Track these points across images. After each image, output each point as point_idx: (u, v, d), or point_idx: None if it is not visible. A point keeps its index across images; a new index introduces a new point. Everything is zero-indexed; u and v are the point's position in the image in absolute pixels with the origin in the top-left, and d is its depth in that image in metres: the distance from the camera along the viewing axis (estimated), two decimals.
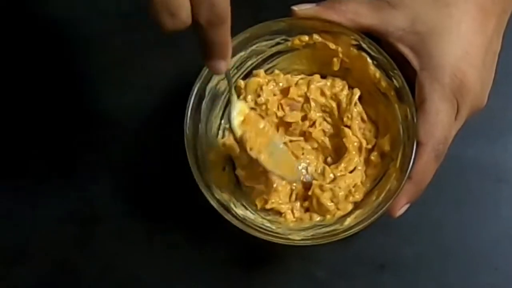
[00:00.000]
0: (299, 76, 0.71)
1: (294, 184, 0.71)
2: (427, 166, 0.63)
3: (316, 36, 0.68)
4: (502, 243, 0.74)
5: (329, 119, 0.71)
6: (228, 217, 0.65)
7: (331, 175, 0.69)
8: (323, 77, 0.71)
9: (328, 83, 0.70)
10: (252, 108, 0.70)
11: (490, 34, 0.64)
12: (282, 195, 0.70)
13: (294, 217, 0.70)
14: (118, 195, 0.78)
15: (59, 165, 0.78)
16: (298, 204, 0.70)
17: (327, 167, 0.70)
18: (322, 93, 0.70)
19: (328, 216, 0.68)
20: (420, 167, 0.63)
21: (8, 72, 0.80)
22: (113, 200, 0.77)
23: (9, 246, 0.77)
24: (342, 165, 0.69)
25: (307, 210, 0.70)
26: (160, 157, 0.77)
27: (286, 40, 0.69)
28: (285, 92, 0.71)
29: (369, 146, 0.70)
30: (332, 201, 0.68)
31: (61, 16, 0.81)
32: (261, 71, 0.71)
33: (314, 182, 0.69)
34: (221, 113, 0.72)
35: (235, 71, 0.70)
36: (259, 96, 0.70)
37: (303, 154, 0.71)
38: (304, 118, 0.71)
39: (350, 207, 0.68)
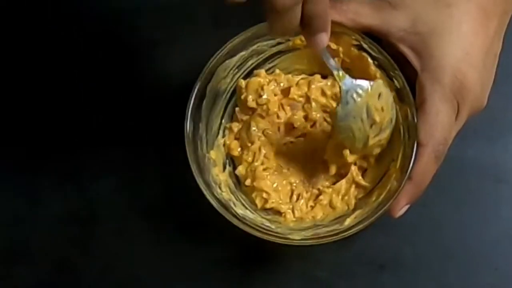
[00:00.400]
0: (300, 76, 0.72)
1: (295, 184, 0.71)
2: (427, 167, 0.63)
3: None
4: (502, 243, 0.74)
5: (329, 119, 0.71)
6: (228, 216, 0.65)
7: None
8: (324, 77, 0.71)
9: (329, 83, 0.70)
10: (252, 108, 0.70)
11: (491, 35, 0.64)
12: (282, 194, 0.70)
13: (294, 216, 0.70)
14: (118, 195, 0.77)
15: (59, 165, 0.78)
16: (301, 201, 0.70)
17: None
18: (323, 93, 0.70)
19: (333, 213, 0.69)
20: (420, 168, 0.63)
21: (8, 72, 0.80)
22: (113, 200, 0.77)
23: (9, 246, 0.77)
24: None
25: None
26: (160, 157, 0.77)
27: (287, 40, 0.69)
28: (285, 92, 0.71)
29: None
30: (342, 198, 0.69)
31: (61, 16, 0.80)
32: (262, 71, 0.71)
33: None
34: (221, 112, 0.72)
35: (236, 70, 0.70)
36: (260, 96, 0.70)
37: None
38: (304, 118, 0.71)
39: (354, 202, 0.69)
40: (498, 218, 0.75)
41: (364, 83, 0.64)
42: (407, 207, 0.65)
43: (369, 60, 0.67)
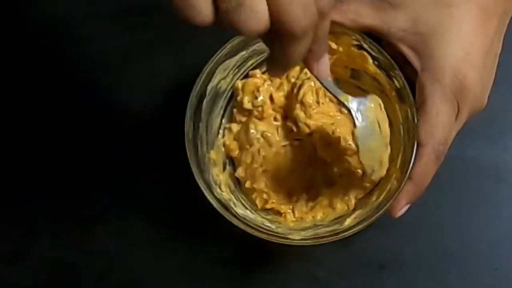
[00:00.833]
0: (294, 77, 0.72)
1: (294, 185, 0.71)
2: (427, 167, 0.63)
3: None
4: (502, 243, 0.74)
5: (326, 121, 0.71)
6: (228, 216, 0.65)
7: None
8: None
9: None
10: (248, 110, 0.70)
11: (491, 35, 0.64)
12: (282, 195, 0.71)
13: (294, 217, 0.70)
14: (118, 194, 0.77)
15: (59, 165, 0.78)
16: (302, 201, 0.70)
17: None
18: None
19: (333, 213, 0.69)
20: (420, 168, 0.63)
21: (8, 71, 0.80)
22: (113, 200, 0.77)
23: (9, 246, 0.77)
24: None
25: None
26: (161, 156, 0.76)
27: None
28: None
29: None
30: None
31: (61, 16, 0.80)
32: (257, 71, 0.71)
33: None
34: (222, 112, 0.72)
35: (236, 70, 0.70)
36: (256, 98, 0.70)
37: None
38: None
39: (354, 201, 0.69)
40: (498, 218, 0.75)
41: (365, 98, 0.64)
42: (407, 207, 0.65)
43: (370, 60, 0.67)
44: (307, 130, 0.69)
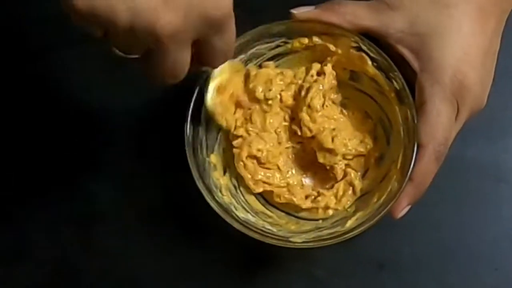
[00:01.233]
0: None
1: (293, 186, 0.71)
2: (428, 168, 0.63)
3: (315, 39, 0.67)
4: (502, 243, 0.74)
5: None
6: (229, 220, 0.65)
7: None
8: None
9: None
10: (258, 100, 0.70)
11: (490, 34, 0.64)
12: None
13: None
14: (118, 195, 0.77)
15: (59, 165, 0.78)
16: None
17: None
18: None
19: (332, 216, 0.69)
20: (421, 169, 0.63)
21: (8, 71, 0.80)
22: (113, 200, 0.77)
23: (9, 246, 0.77)
24: None
25: None
26: (161, 159, 0.77)
27: (286, 43, 0.68)
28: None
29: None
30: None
31: (61, 16, 0.80)
32: (270, 63, 0.70)
33: None
34: None
35: None
36: (269, 89, 0.70)
37: None
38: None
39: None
40: (498, 218, 0.75)
41: None
42: (408, 208, 0.65)
43: (368, 61, 0.66)
44: (308, 134, 0.68)
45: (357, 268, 0.75)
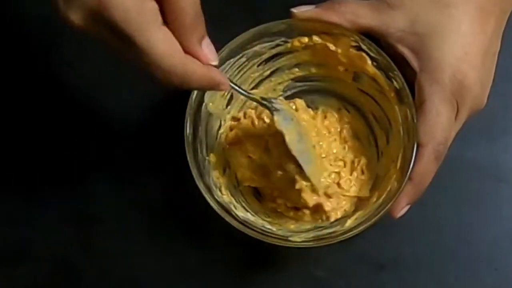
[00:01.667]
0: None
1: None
2: (427, 167, 0.63)
3: (315, 38, 0.68)
4: (502, 243, 0.74)
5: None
6: (228, 219, 0.65)
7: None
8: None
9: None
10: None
11: (490, 34, 0.64)
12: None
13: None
14: (118, 195, 0.77)
15: (59, 165, 0.78)
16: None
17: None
18: None
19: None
20: (420, 168, 0.63)
21: (9, 71, 0.80)
22: (113, 200, 0.77)
23: (9, 246, 0.77)
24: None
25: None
26: (161, 159, 0.76)
27: (286, 42, 0.69)
28: None
29: None
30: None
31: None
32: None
33: None
34: None
35: (235, 72, 0.70)
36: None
37: None
38: None
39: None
40: (498, 218, 0.75)
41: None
42: (407, 207, 0.65)
43: (368, 61, 0.67)
44: None
45: (357, 268, 0.75)
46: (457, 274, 0.74)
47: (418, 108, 0.64)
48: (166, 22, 0.53)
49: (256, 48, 0.68)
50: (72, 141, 0.78)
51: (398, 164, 0.65)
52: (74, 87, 0.79)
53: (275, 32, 0.67)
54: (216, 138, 0.71)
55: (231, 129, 0.72)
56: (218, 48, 0.66)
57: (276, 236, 0.65)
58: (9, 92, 0.80)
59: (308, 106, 0.71)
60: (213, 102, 0.69)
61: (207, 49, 0.56)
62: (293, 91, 0.74)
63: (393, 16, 0.65)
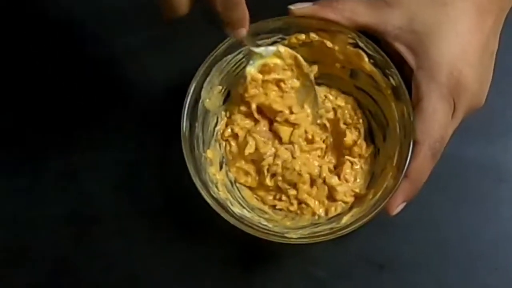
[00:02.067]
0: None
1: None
2: (423, 165, 0.63)
3: (313, 35, 0.68)
4: (502, 243, 0.74)
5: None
6: (225, 215, 0.65)
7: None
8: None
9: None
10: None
11: (487, 32, 0.64)
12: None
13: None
14: (118, 195, 0.77)
15: (59, 165, 0.78)
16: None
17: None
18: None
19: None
20: (416, 166, 0.63)
21: (8, 70, 0.80)
22: (113, 200, 0.77)
23: (9, 246, 0.77)
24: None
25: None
26: (158, 157, 0.77)
27: (283, 39, 0.69)
28: None
29: None
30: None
31: (60, 16, 0.81)
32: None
33: None
34: None
35: (232, 69, 0.70)
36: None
37: None
38: None
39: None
40: (498, 218, 0.74)
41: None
42: (403, 204, 0.65)
43: (365, 58, 0.67)
44: None
45: (356, 268, 0.75)
46: (457, 274, 0.74)
47: (415, 105, 0.64)
48: None
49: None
50: (72, 141, 0.79)
51: (395, 161, 0.65)
52: (73, 87, 0.80)
53: (272, 29, 0.68)
54: (213, 135, 0.71)
55: (226, 125, 0.72)
56: (215, 45, 0.67)
57: (273, 233, 0.65)
58: (9, 91, 0.80)
59: None
60: (210, 99, 0.69)
61: None
62: None
63: (390, 14, 0.65)
